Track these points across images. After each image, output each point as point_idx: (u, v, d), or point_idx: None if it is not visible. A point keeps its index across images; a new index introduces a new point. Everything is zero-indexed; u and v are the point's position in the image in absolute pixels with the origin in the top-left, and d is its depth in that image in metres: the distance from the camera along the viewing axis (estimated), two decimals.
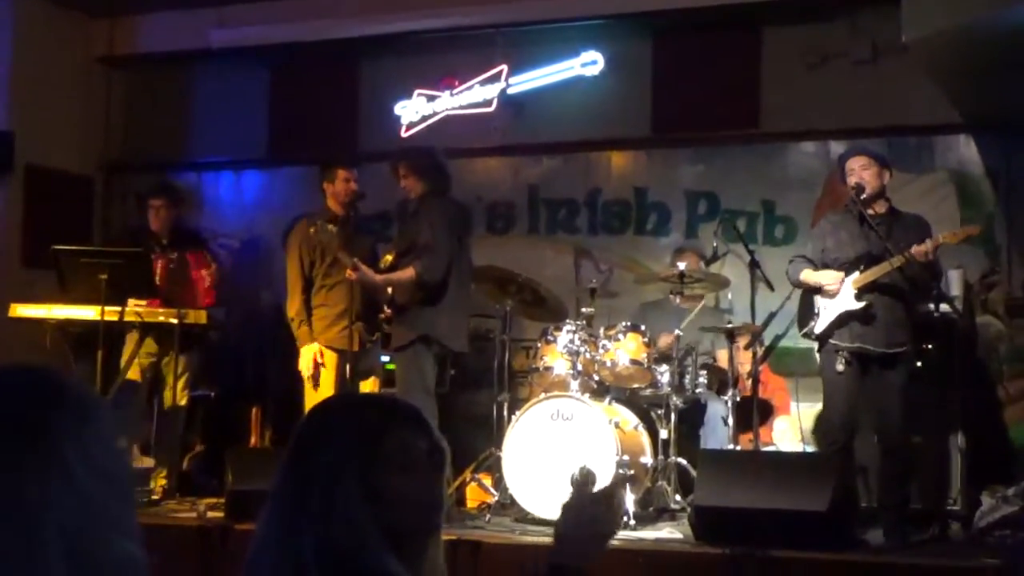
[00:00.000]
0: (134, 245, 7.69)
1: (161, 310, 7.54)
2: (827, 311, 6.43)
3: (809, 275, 6.52)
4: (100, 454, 1.54)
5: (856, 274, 6.36)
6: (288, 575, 1.97)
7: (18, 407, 1.52)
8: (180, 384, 7.74)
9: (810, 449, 7.55)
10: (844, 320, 6.38)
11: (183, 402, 7.79)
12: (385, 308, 7.12)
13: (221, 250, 9.88)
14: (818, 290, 6.49)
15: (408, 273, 6.78)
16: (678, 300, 7.22)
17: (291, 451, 2.14)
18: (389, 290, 7.03)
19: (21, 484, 1.45)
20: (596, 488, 2.53)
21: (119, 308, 7.32)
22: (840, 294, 6.38)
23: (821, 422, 7.16)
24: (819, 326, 6.45)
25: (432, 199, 7.02)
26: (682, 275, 7.18)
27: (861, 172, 6.41)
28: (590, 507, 2.39)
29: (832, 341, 6.41)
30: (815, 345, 6.67)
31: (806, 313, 6.58)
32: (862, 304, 6.32)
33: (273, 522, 2.05)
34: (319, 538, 1.97)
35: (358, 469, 2.04)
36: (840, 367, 6.35)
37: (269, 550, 2.02)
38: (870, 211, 6.41)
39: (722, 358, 7.72)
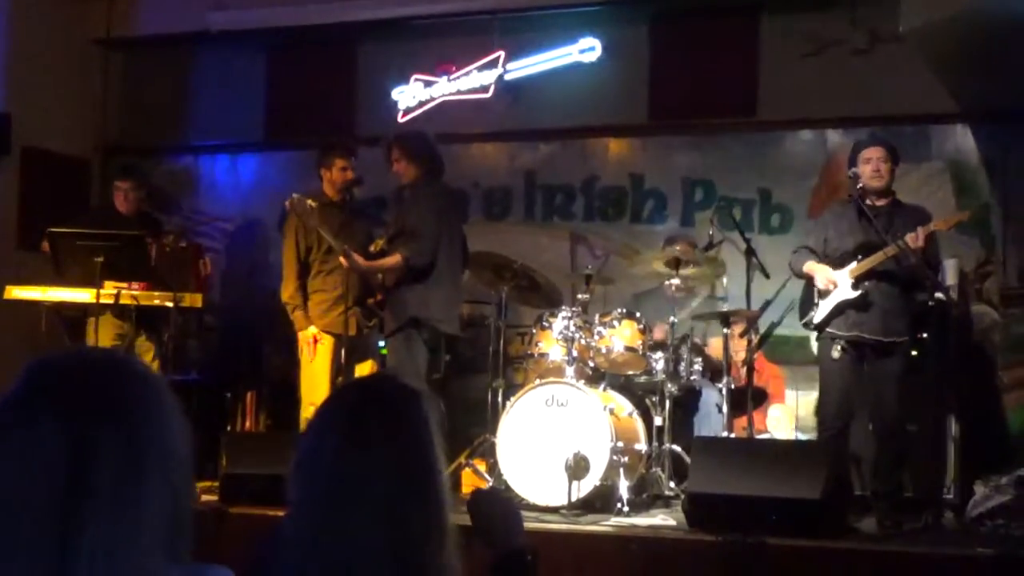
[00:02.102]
0: (103, 225, 7.65)
1: (156, 293, 7.53)
2: (826, 300, 6.45)
3: (811, 268, 6.54)
4: (172, 430, 1.57)
5: (853, 263, 6.37)
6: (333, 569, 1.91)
7: (100, 390, 1.53)
8: (149, 358, 7.69)
9: (802, 437, 7.57)
10: (841, 309, 6.39)
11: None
12: (377, 294, 7.16)
13: (217, 233, 9.90)
14: None
15: (395, 259, 6.82)
16: (673, 288, 7.20)
17: (344, 443, 1.99)
18: (380, 276, 7.07)
19: (105, 460, 1.47)
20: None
21: (113, 291, 7.32)
22: (838, 284, 6.39)
23: (818, 409, 7.17)
24: (818, 315, 6.46)
25: (422, 184, 7.02)
26: (677, 261, 7.18)
27: (879, 164, 6.41)
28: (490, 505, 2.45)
29: (829, 329, 6.43)
30: (810, 333, 6.68)
31: (807, 303, 6.59)
32: (859, 293, 6.34)
33: (319, 519, 1.93)
34: (373, 533, 1.89)
35: (411, 456, 1.99)
36: (836, 354, 6.37)
37: (312, 547, 1.92)
38: (880, 202, 6.42)
39: (714, 346, 7.73)
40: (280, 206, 8.53)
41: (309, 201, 6.99)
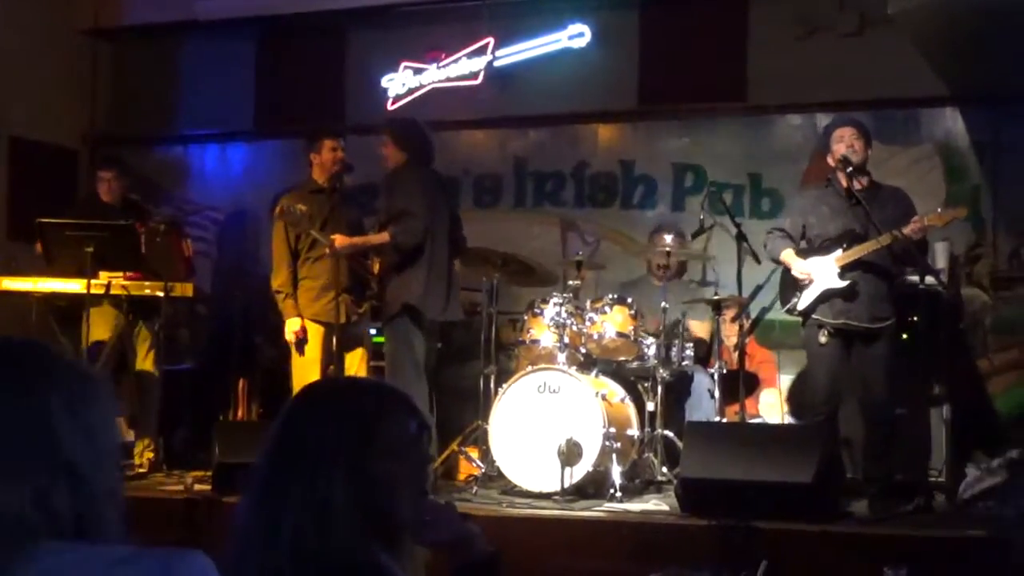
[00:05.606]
0: (89, 216, 7.62)
1: (147, 283, 7.51)
2: (810, 288, 6.43)
3: (788, 258, 6.53)
4: (89, 419, 1.57)
5: (839, 251, 6.35)
6: (266, 562, 1.96)
7: (10, 373, 1.55)
8: (144, 351, 7.69)
9: (788, 420, 7.58)
10: (827, 297, 6.39)
11: (148, 366, 7.70)
12: (372, 285, 7.15)
13: (207, 222, 9.88)
14: None
15: (382, 236, 6.80)
16: (662, 280, 7.24)
17: (278, 435, 2.11)
18: (369, 262, 7.05)
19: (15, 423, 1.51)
20: None
21: (105, 281, 7.30)
22: (823, 271, 6.38)
23: (804, 394, 7.18)
24: (802, 303, 6.45)
25: (407, 170, 6.98)
26: (668, 255, 7.25)
27: (852, 141, 6.40)
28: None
29: (815, 316, 6.42)
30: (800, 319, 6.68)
31: (788, 289, 6.58)
32: (846, 283, 6.33)
33: (254, 508, 2.04)
34: (298, 526, 1.96)
35: (348, 456, 2.03)
36: (822, 339, 6.37)
37: (249, 536, 2.01)
38: (858, 185, 6.40)
39: (695, 328, 7.77)
40: (270, 195, 8.56)
41: (299, 206, 7.00)
